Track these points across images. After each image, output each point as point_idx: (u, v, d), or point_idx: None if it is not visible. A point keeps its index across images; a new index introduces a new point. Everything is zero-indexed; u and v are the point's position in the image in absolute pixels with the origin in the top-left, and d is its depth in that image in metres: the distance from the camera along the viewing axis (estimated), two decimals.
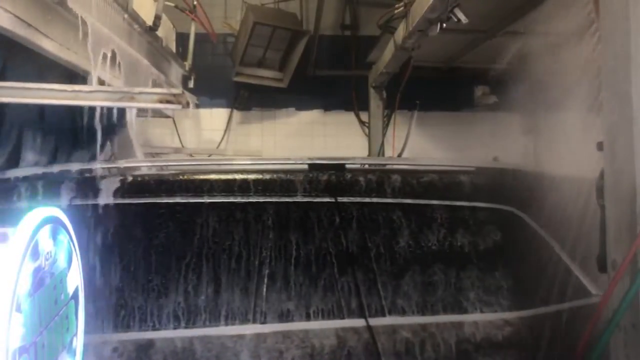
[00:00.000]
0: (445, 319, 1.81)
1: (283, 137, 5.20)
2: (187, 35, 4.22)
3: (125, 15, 2.56)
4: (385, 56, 4.03)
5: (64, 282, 1.47)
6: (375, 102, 4.97)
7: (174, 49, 4.06)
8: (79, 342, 1.59)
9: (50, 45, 1.97)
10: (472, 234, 1.94)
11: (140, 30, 2.82)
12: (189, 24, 4.16)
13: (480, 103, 4.92)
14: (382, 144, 4.91)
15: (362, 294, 1.76)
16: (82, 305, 1.62)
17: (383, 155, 4.84)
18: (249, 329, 1.69)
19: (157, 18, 2.94)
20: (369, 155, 5.11)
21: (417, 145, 4.99)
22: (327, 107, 5.27)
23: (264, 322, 1.70)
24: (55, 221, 1.42)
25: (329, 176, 1.88)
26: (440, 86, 5.07)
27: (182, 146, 4.88)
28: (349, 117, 5.24)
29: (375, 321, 1.74)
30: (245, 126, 5.16)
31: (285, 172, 1.90)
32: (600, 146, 1.36)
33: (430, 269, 1.84)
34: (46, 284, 1.33)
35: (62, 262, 1.46)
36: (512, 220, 2.00)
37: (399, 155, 4.51)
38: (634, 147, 1.16)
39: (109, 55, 2.22)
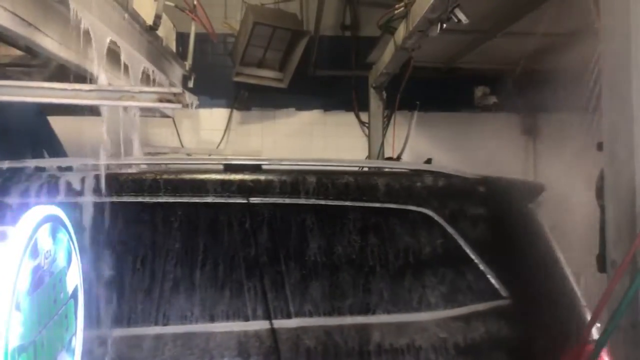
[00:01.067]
0: (355, 321, 1.82)
1: (283, 137, 5.20)
2: (188, 35, 4.22)
3: (126, 15, 2.56)
4: (386, 56, 4.03)
5: (64, 281, 1.47)
6: (376, 103, 4.97)
7: (174, 49, 4.06)
8: (78, 341, 1.58)
9: (50, 44, 1.98)
10: (384, 236, 1.96)
11: (140, 29, 2.82)
12: (189, 23, 4.16)
13: (481, 104, 4.93)
14: (382, 144, 4.92)
15: (270, 297, 1.77)
16: (82, 304, 1.62)
17: (383, 156, 4.85)
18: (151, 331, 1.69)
19: (158, 17, 2.94)
20: (369, 156, 5.11)
21: (417, 145, 4.99)
22: (327, 107, 5.27)
23: (166, 325, 1.70)
24: (54, 219, 1.42)
25: (243, 177, 1.86)
26: (440, 87, 5.08)
27: (182, 146, 4.88)
28: (349, 118, 5.25)
29: (280, 323, 1.75)
30: (245, 126, 5.16)
31: (198, 172, 1.88)
32: (600, 146, 1.36)
33: (341, 271, 1.85)
34: (45, 283, 1.33)
35: (61, 261, 1.45)
36: (425, 222, 2.02)
37: (399, 156, 4.51)
38: (634, 147, 1.16)
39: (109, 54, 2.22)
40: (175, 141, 4.89)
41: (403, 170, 2.27)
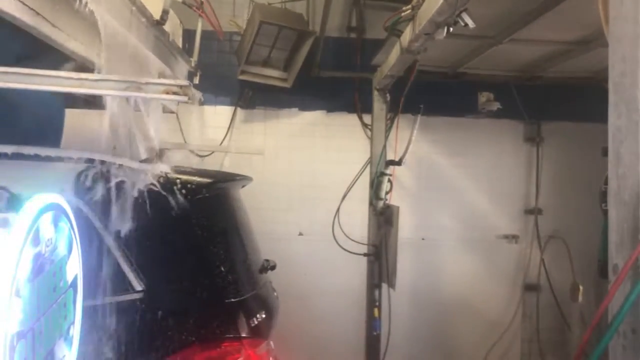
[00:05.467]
0: None
1: (286, 136, 5.21)
2: (194, 32, 4.22)
3: (133, 8, 2.56)
4: (391, 59, 4.03)
5: (64, 270, 1.47)
6: (379, 105, 4.98)
7: (180, 45, 4.07)
8: (76, 330, 1.58)
9: (57, 34, 1.98)
10: None
11: (147, 23, 2.82)
12: (196, 20, 4.16)
13: (484, 109, 4.93)
14: (385, 147, 4.92)
15: None
16: (81, 293, 1.62)
17: (385, 158, 4.85)
18: None
19: (165, 12, 2.94)
20: (371, 158, 5.12)
21: (420, 149, 5.00)
22: (330, 108, 5.28)
23: None
24: (57, 208, 1.42)
25: None
26: (444, 91, 5.09)
27: (185, 142, 4.89)
28: (351, 119, 5.25)
29: None
30: (248, 125, 5.17)
31: None
32: (604, 151, 1.36)
33: None
34: (46, 271, 1.33)
35: (62, 250, 1.45)
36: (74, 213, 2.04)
37: (401, 159, 4.51)
38: (639, 151, 1.16)
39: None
40: (178, 138, 4.89)
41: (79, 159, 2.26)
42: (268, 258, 3.37)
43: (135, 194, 2.14)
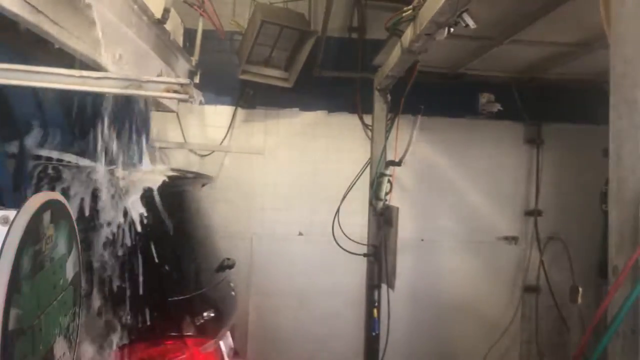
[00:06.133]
0: None
1: (286, 136, 5.21)
2: (195, 31, 4.22)
3: (135, 7, 2.56)
4: (392, 59, 4.03)
5: (64, 268, 1.47)
6: (380, 106, 4.97)
7: (181, 44, 4.07)
8: (75, 328, 1.58)
9: (59, 32, 1.97)
10: None
11: (148, 22, 2.83)
12: (197, 19, 4.16)
13: (485, 110, 4.93)
14: (385, 148, 4.92)
15: None
16: (81, 292, 1.62)
17: (385, 159, 4.85)
18: None
19: (166, 11, 2.94)
20: (371, 159, 5.11)
21: (420, 150, 5.00)
22: (331, 108, 5.28)
23: None
24: (57, 206, 1.42)
25: None
26: (445, 92, 5.09)
27: (185, 141, 4.89)
28: (352, 120, 5.25)
29: None
30: (249, 124, 5.17)
31: None
32: (605, 152, 1.36)
33: None
34: (45, 268, 1.33)
35: (62, 248, 1.46)
36: None
37: (401, 160, 4.51)
38: None
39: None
40: (178, 137, 4.90)
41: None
42: (229, 257, 3.33)
43: (81, 191, 2.13)
